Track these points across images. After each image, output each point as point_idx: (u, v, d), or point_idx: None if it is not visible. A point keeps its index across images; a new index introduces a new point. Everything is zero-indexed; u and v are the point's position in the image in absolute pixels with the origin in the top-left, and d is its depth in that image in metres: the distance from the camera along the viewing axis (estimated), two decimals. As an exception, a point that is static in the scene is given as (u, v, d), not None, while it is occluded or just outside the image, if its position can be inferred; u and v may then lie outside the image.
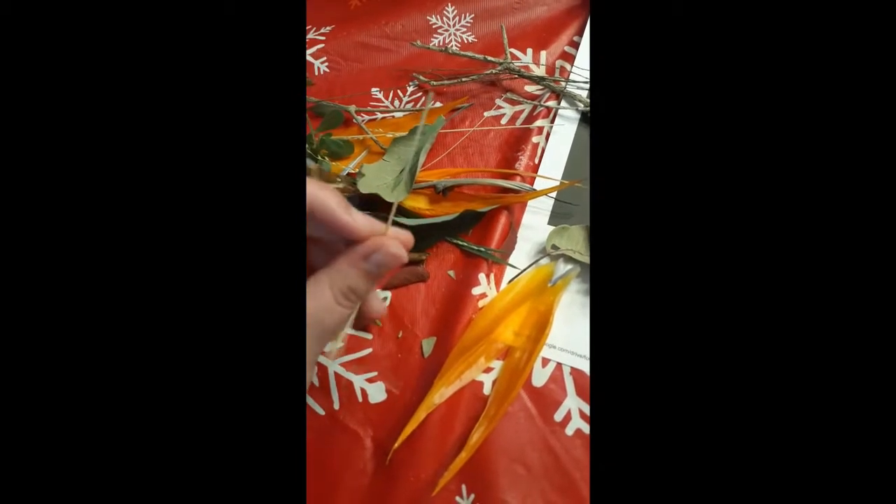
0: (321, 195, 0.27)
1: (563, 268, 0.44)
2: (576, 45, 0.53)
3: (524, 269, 0.45)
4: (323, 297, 0.27)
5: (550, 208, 0.47)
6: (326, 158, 0.48)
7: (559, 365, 0.42)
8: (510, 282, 0.44)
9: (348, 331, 0.44)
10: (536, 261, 0.45)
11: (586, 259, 0.43)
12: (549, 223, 0.46)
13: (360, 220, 0.27)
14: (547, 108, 0.50)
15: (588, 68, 0.51)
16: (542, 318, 0.42)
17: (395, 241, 0.28)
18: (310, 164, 0.47)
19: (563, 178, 0.47)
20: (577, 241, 0.44)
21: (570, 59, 0.53)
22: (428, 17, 0.56)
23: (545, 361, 0.42)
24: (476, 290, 0.44)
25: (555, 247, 0.44)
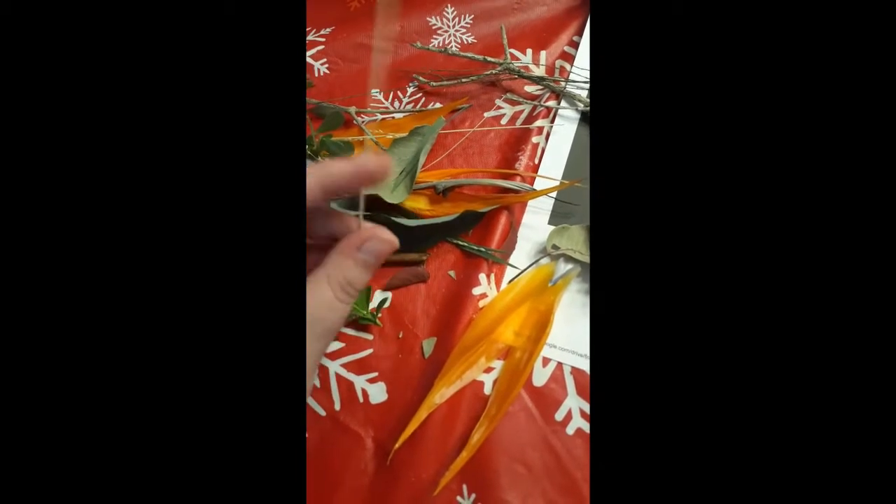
0: (315, 169, 0.26)
1: (563, 267, 0.44)
2: (575, 45, 0.53)
3: (524, 269, 0.45)
4: (323, 294, 0.27)
5: (551, 208, 0.47)
6: (327, 160, 0.48)
7: (560, 364, 0.42)
8: (510, 282, 0.45)
9: (347, 331, 0.45)
10: (537, 261, 0.45)
11: (587, 259, 0.43)
12: (550, 223, 0.46)
13: (362, 158, 0.27)
14: (547, 108, 0.50)
15: (588, 68, 0.51)
16: (542, 317, 0.42)
17: (385, 228, 0.28)
18: (310, 165, 0.47)
19: (563, 177, 0.48)
20: (577, 241, 0.44)
21: (569, 59, 0.53)
22: (428, 19, 0.56)
23: (546, 361, 0.43)
24: (476, 291, 0.44)
25: (555, 246, 0.44)
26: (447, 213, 0.45)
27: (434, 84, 0.52)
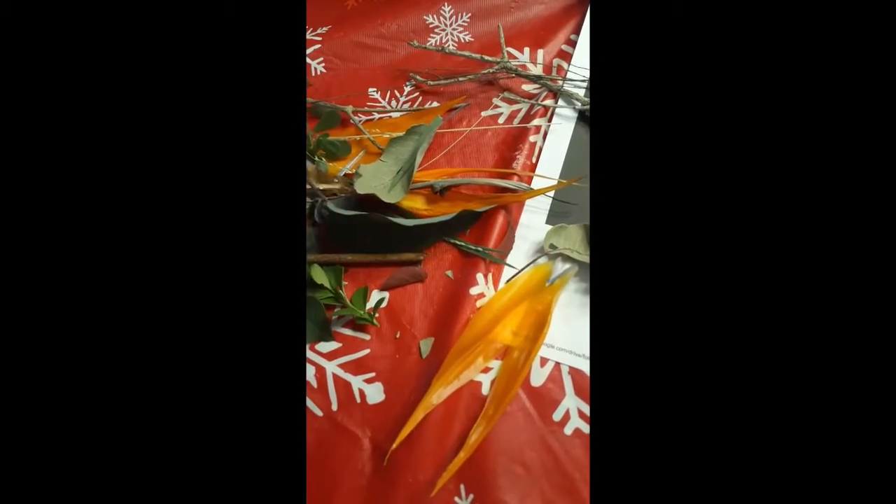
0: None
1: (560, 267, 0.44)
2: (573, 44, 0.53)
3: (522, 269, 0.44)
4: None
5: (548, 207, 0.47)
6: (323, 159, 0.48)
7: (557, 364, 0.42)
8: (508, 281, 0.44)
9: (345, 331, 0.44)
10: (534, 260, 0.45)
11: (584, 258, 0.43)
12: (547, 222, 0.46)
13: None
14: (544, 107, 0.50)
15: (586, 67, 0.51)
16: (540, 317, 0.42)
17: None
18: (307, 164, 0.47)
19: (561, 176, 0.47)
20: (574, 240, 0.43)
21: (567, 57, 0.52)
22: (425, 17, 0.56)
23: (543, 361, 0.42)
24: (474, 290, 0.44)
25: (553, 246, 0.44)
26: (444, 212, 0.45)
27: (431, 83, 0.52)
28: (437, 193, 0.47)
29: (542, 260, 0.45)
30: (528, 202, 0.47)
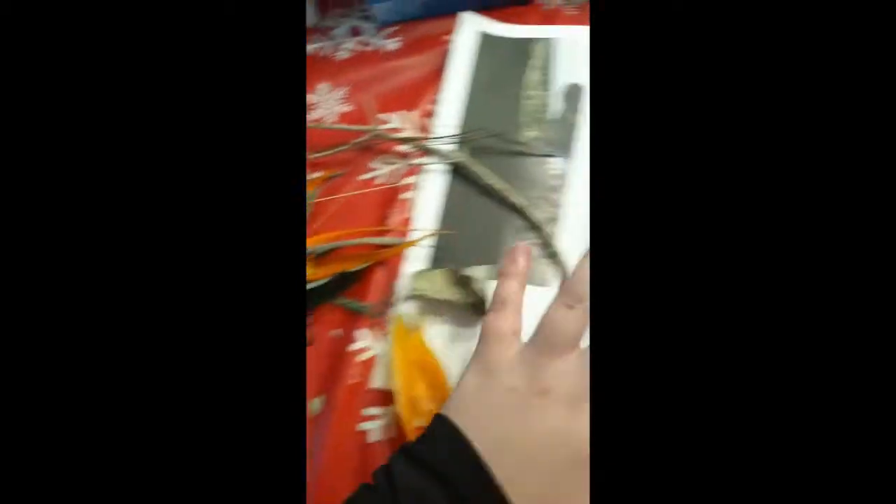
0: None
1: (416, 311, 0.47)
2: (437, 104, 0.57)
3: (392, 319, 0.47)
4: None
5: (426, 256, 0.49)
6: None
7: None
8: (387, 333, 0.46)
9: None
10: (397, 306, 0.47)
11: (448, 296, 0.45)
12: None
13: None
14: (417, 165, 0.54)
15: (450, 124, 0.55)
16: (424, 364, 0.44)
17: None
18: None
19: (438, 227, 0.50)
20: (437, 282, 0.46)
21: (433, 116, 0.56)
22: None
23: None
24: (355, 346, 0.46)
25: (418, 290, 0.46)
26: (321, 276, 0.48)
27: (314, 155, 0.56)
28: (317, 259, 0.49)
29: (402, 308, 0.47)
30: (407, 253, 0.50)
